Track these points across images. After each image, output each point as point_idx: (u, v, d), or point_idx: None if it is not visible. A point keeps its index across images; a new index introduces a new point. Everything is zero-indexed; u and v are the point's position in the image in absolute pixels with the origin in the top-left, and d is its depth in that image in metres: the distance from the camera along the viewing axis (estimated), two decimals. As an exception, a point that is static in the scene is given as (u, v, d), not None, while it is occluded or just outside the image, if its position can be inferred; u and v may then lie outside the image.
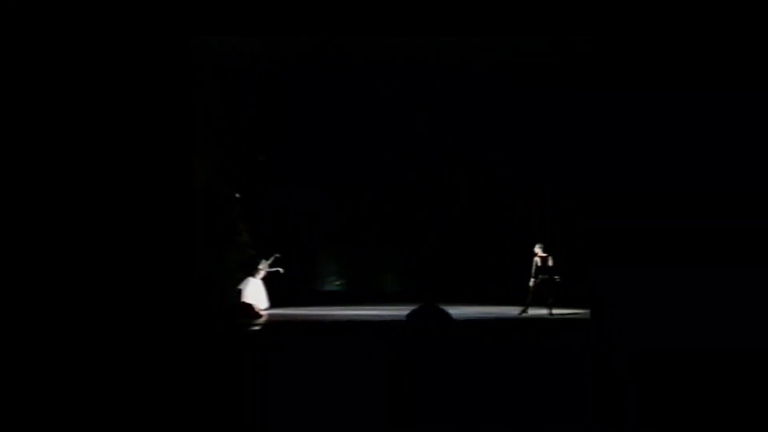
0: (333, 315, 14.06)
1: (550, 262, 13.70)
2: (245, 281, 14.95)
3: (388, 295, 16.97)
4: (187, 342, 7.33)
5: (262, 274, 15.19)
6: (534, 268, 13.77)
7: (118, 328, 7.09)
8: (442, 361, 6.23)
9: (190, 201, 8.32)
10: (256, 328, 11.21)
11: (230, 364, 6.76)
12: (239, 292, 14.53)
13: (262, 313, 13.94)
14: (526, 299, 13.67)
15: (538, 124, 15.24)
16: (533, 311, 13.65)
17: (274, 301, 15.33)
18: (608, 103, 7.51)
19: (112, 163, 7.42)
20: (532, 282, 13.74)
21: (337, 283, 18.47)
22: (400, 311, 11.81)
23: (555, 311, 13.33)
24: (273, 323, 12.80)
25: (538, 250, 13.86)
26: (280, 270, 15.15)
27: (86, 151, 7.38)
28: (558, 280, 13.50)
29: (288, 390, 5.84)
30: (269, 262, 15.25)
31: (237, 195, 15.19)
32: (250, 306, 13.62)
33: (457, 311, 11.63)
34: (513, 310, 13.88)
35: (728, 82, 7.28)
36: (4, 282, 7.01)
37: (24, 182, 7.22)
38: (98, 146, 7.39)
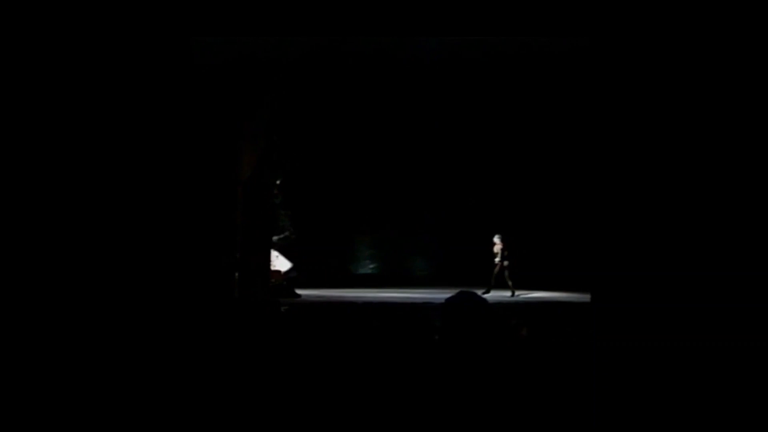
0: (365, 296, 14.60)
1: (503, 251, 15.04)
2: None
3: (418, 279, 17.53)
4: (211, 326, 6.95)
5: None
6: (497, 255, 15.07)
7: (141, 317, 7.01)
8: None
9: (191, 198, 8.36)
10: (285, 308, 11.13)
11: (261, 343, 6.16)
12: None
13: (286, 273, 14.86)
14: (507, 284, 14.96)
15: (538, 123, 15.83)
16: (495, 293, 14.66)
17: (313, 283, 15.79)
18: (608, 103, 7.48)
19: (112, 161, 7.44)
20: (497, 267, 15.10)
21: (372, 266, 18.97)
22: (429, 294, 12.76)
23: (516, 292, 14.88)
24: (306, 303, 13.27)
25: (496, 240, 15.19)
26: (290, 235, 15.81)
27: (85, 149, 7.37)
28: (506, 264, 14.90)
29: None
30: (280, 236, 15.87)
31: (278, 182, 15.56)
32: (276, 272, 14.54)
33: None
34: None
35: (728, 81, 7.20)
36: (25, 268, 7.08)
37: (25, 181, 7.19)
38: (97, 145, 7.40)
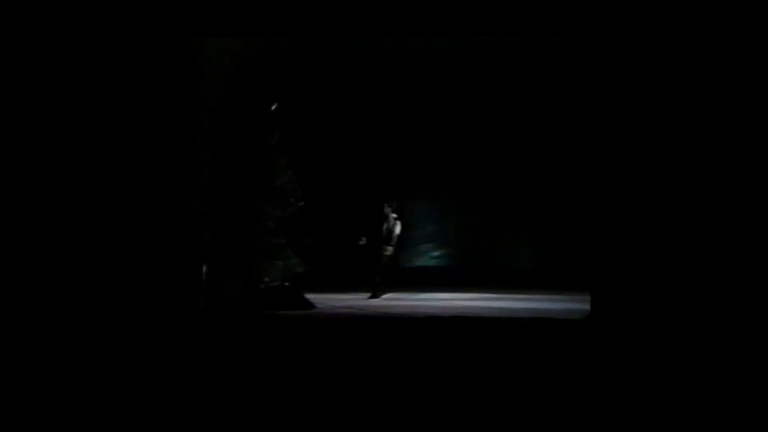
0: (428, 305, 11.10)
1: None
2: None
3: (515, 276, 14.66)
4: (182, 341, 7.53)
5: None
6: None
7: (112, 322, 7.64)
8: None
9: (190, 197, 9.09)
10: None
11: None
12: None
13: None
14: (374, 278, 12.80)
15: (538, 123, 15.52)
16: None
17: (339, 284, 13.24)
18: (608, 102, 8.20)
19: (113, 161, 8.13)
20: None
21: (436, 255, 16.17)
22: (532, 303, 11.09)
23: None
24: (327, 320, 9.59)
25: (387, 211, 12.89)
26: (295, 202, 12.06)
27: (87, 149, 8.11)
28: (387, 252, 12.87)
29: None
30: None
31: (273, 107, 11.40)
32: None
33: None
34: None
35: (728, 81, 7.89)
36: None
37: (28, 179, 8.02)
38: (98, 145, 8.13)
